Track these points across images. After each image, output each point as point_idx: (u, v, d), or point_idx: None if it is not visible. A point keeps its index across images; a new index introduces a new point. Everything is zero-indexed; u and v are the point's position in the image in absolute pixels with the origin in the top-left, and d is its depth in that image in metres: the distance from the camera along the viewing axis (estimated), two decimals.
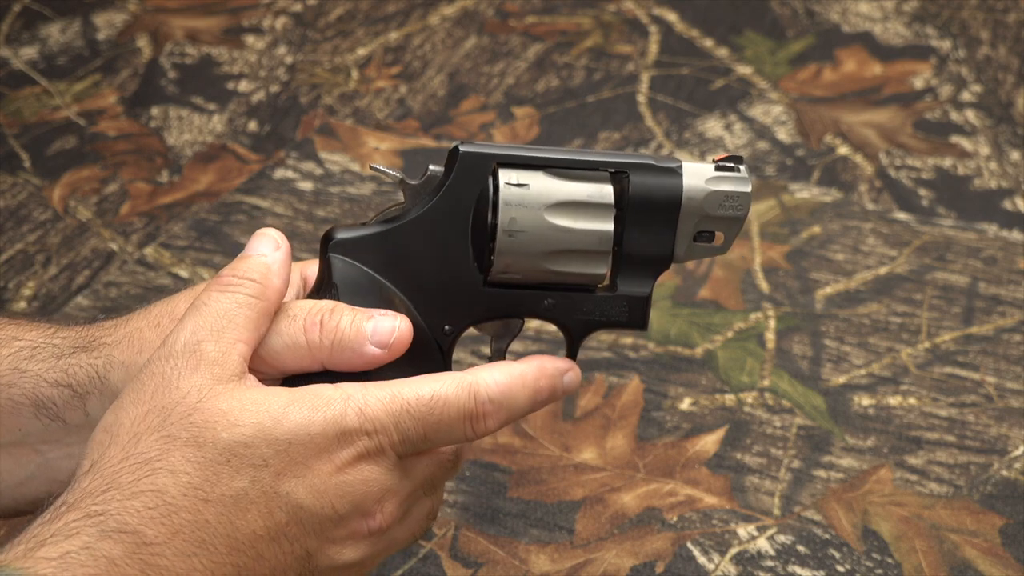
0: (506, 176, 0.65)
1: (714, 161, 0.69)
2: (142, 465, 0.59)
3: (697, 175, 0.68)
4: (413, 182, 0.66)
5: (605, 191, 0.66)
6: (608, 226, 0.66)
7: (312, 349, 0.64)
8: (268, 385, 0.64)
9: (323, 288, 0.66)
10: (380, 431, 0.62)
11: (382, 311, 0.65)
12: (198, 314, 0.63)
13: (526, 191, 0.65)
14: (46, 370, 0.68)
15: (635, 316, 0.68)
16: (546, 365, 0.67)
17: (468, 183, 0.65)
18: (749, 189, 0.68)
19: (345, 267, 0.65)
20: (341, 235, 0.66)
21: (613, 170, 0.67)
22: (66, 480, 0.66)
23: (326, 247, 0.66)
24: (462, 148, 0.65)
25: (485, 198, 0.65)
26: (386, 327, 0.64)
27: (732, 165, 0.68)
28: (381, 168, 0.66)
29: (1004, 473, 0.90)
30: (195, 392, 0.61)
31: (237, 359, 0.62)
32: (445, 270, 0.66)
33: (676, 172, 0.68)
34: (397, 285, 0.65)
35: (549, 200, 0.66)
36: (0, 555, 0.56)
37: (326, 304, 0.65)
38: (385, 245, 0.65)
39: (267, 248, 0.66)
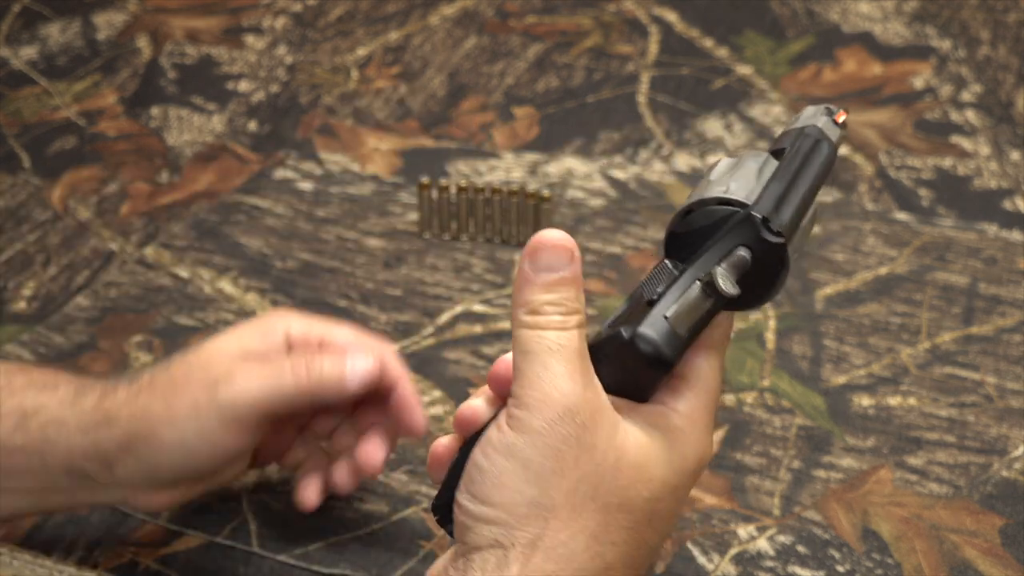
0: (792, 250, 0.63)
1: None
2: (591, 541, 0.59)
3: None
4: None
5: (816, 213, 0.66)
6: None
7: (300, 387, 0.75)
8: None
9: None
10: None
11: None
12: (555, 361, 0.60)
13: (795, 257, 0.63)
14: (75, 443, 0.75)
15: None
16: None
17: (762, 261, 0.62)
18: None
19: None
20: (673, 357, 0.60)
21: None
22: (91, 505, 0.81)
23: (658, 369, 0.60)
24: (769, 237, 0.61)
25: (773, 272, 0.63)
26: (361, 366, 0.76)
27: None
28: None
29: (1004, 473, 0.90)
30: (611, 451, 0.59)
31: (606, 398, 0.60)
32: None
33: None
34: None
35: (801, 250, 0.65)
36: None
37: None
38: None
39: (565, 263, 0.61)
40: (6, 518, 0.80)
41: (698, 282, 0.60)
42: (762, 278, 0.62)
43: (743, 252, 0.60)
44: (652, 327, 0.59)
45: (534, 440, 0.59)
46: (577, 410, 0.59)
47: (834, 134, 0.68)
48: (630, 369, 0.60)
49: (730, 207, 0.61)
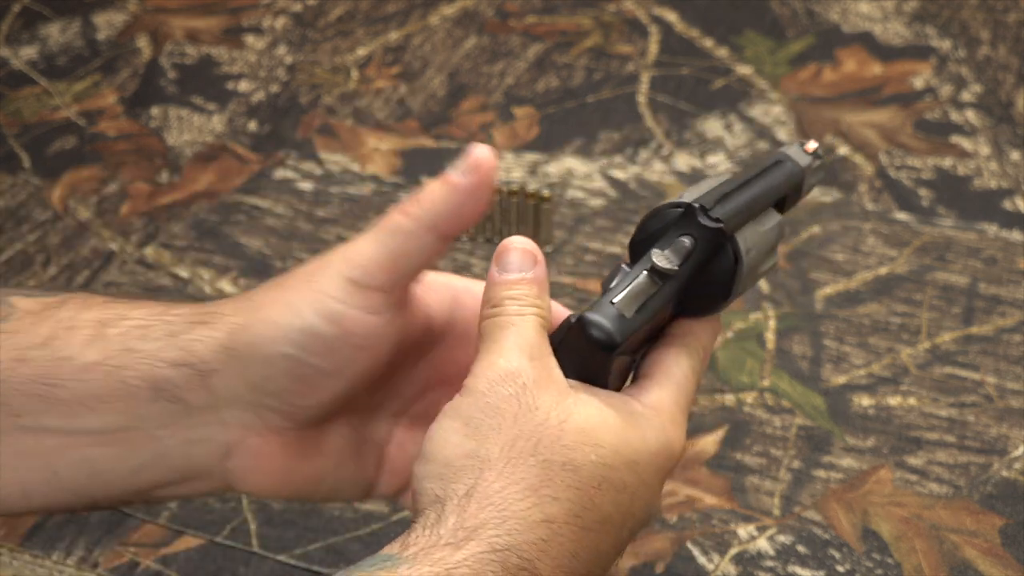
0: (743, 243, 0.65)
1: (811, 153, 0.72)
2: (529, 492, 0.58)
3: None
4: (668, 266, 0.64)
5: (780, 225, 0.68)
6: (776, 256, 0.69)
7: (419, 220, 0.61)
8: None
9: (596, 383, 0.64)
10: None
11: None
12: (503, 335, 0.62)
13: (752, 255, 0.66)
14: (161, 348, 0.61)
15: None
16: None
17: (707, 250, 0.65)
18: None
19: (615, 362, 0.64)
20: (619, 337, 0.63)
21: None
22: (184, 470, 0.63)
23: (605, 349, 0.63)
24: (706, 222, 0.64)
25: (726, 265, 0.65)
26: (461, 163, 0.62)
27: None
28: None
29: (1004, 473, 0.90)
30: (555, 413, 0.60)
31: (559, 373, 0.62)
32: (658, 324, 0.66)
33: (799, 169, 0.71)
34: (630, 353, 0.65)
35: (762, 256, 0.67)
36: (404, 567, 0.56)
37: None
38: (645, 329, 0.64)
39: (528, 265, 0.64)
40: (83, 501, 0.64)
41: (645, 271, 0.64)
42: (714, 273, 0.65)
43: (684, 239, 0.64)
44: (598, 310, 0.62)
45: (476, 400, 0.60)
46: (519, 373, 0.60)
47: (803, 160, 0.71)
48: (582, 354, 0.63)
49: (680, 209, 0.66)
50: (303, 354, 0.60)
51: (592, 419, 0.60)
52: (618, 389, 0.64)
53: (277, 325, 0.60)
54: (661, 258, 0.63)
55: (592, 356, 0.62)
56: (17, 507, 0.64)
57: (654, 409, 0.63)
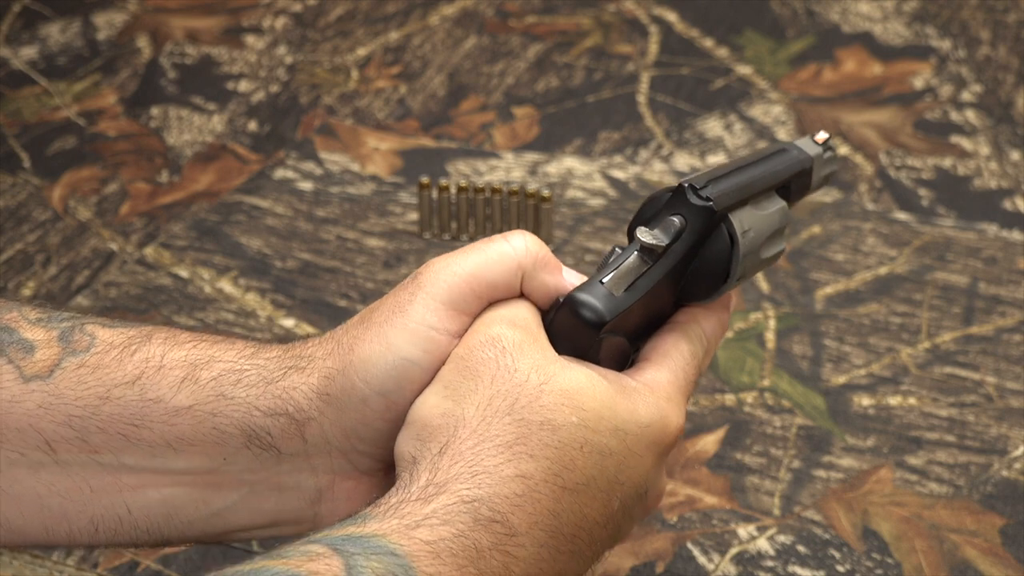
0: (738, 224, 0.65)
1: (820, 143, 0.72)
2: (502, 448, 0.58)
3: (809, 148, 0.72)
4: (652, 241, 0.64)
5: (784, 211, 0.68)
6: (783, 243, 0.68)
7: (519, 267, 0.62)
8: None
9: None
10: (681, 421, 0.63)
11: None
12: (492, 309, 0.62)
13: (750, 236, 0.65)
14: (257, 396, 0.61)
15: None
16: None
17: (699, 230, 0.64)
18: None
19: (607, 343, 0.64)
20: (607, 314, 0.62)
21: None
22: (273, 514, 0.63)
23: (592, 327, 0.63)
24: (695, 201, 0.64)
25: (721, 247, 0.65)
26: (575, 276, 0.64)
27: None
28: None
29: (1004, 473, 0.90)
30: (535, 375, 0.59)
31: (546, 343, 0.62)
32: (656, 309, 0.65)
33: (808, 161, 0.71)
34: (624, 334, 0.65)
35: (762, 239, 0.66)
36: (373, 523, 0.55)
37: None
38: (638, 310, 0.64)
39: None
40: (153, 539, 0.64)
41: (635, 251, 0.64)
42: (711, 255, 0.65)
43: (673, 218, 0.64)
44: (586, 289, 0.62)
45: (457, 364, 0.60)
46: (500, 337, 0.60)
47: (812, 150, 0.71)
48: (572, 333, 0.63)
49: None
50: (400, 390, 0.60)
51: (576, 383, 0.60)
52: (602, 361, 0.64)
53: (372, 363, 0.60)
54: (647, 235, 0.63)
55: (581, 335, 0.62)
56: (84, 540, 0.63)
57: (649, 387, 0.63)
